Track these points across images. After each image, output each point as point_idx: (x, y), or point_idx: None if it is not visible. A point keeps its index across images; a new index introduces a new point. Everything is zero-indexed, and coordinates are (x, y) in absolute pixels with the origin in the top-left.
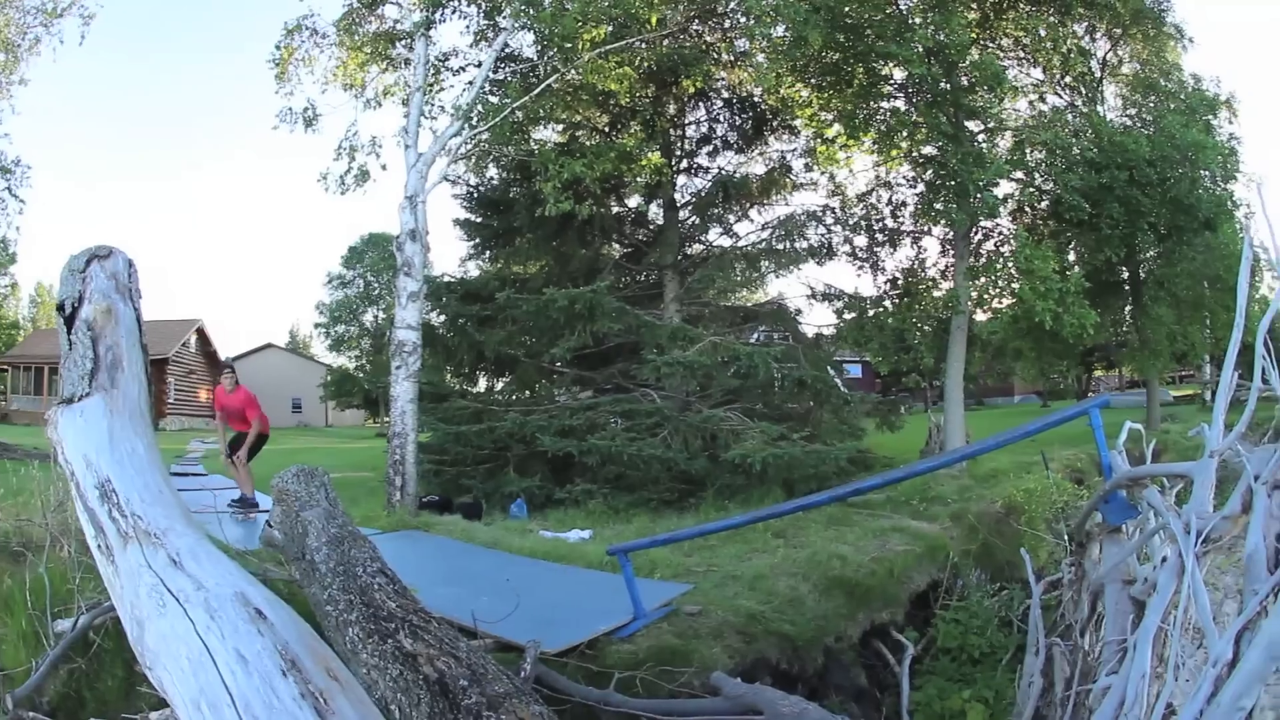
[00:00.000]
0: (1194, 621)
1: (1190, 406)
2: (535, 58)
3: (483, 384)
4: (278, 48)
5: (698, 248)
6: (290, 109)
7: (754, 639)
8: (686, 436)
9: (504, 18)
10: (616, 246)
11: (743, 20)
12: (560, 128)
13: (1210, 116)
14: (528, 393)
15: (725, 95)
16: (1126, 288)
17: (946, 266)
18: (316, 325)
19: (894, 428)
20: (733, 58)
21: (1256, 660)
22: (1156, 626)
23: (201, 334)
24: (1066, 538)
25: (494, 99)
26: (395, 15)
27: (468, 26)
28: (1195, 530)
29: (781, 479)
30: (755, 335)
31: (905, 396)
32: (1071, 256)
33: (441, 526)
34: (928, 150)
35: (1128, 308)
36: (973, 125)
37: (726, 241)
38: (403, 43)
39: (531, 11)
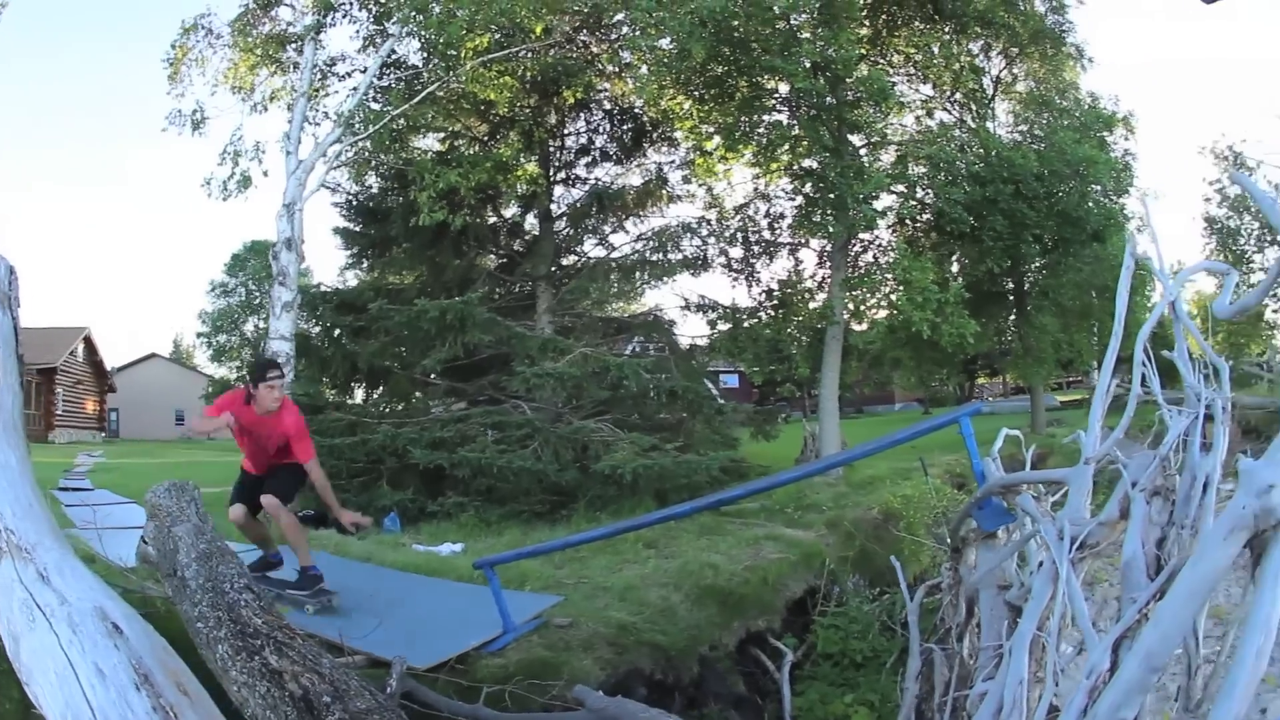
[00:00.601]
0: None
1: (1078, 411)
2: (420, 65)
3: (360, 396)
4: (173, 46)
5: (572, 259)
6: (180, 111)
7: (625, 650)
8: (557, 448)
9: (393, 24)
10: (491, 257)
11: (627, 31)
12: (440, 136)
13: (1105, 133)
14: (401, 405)
15: (607, 106)
16: (1011, 297)
17: (824, 278)
18: (199, 335)
19: (769, 437)
20: (617, 69)
21: (1134, 670)
22: (1032, 632)
23: (89, 342)
24: (944, 543)
25: (376, 106)
26: (289, 18)
27: (357, 32)
28: (1069, 536)
29: (653, 489)
30: (630, 346)
31: (783, 405)
32: (956, 268)
33: (316, 541)
34: (808, 163)
35: (1012, 316)
36: (856, 139)
37: (601, 252)
38: (293, 46)
39: (420, 18)
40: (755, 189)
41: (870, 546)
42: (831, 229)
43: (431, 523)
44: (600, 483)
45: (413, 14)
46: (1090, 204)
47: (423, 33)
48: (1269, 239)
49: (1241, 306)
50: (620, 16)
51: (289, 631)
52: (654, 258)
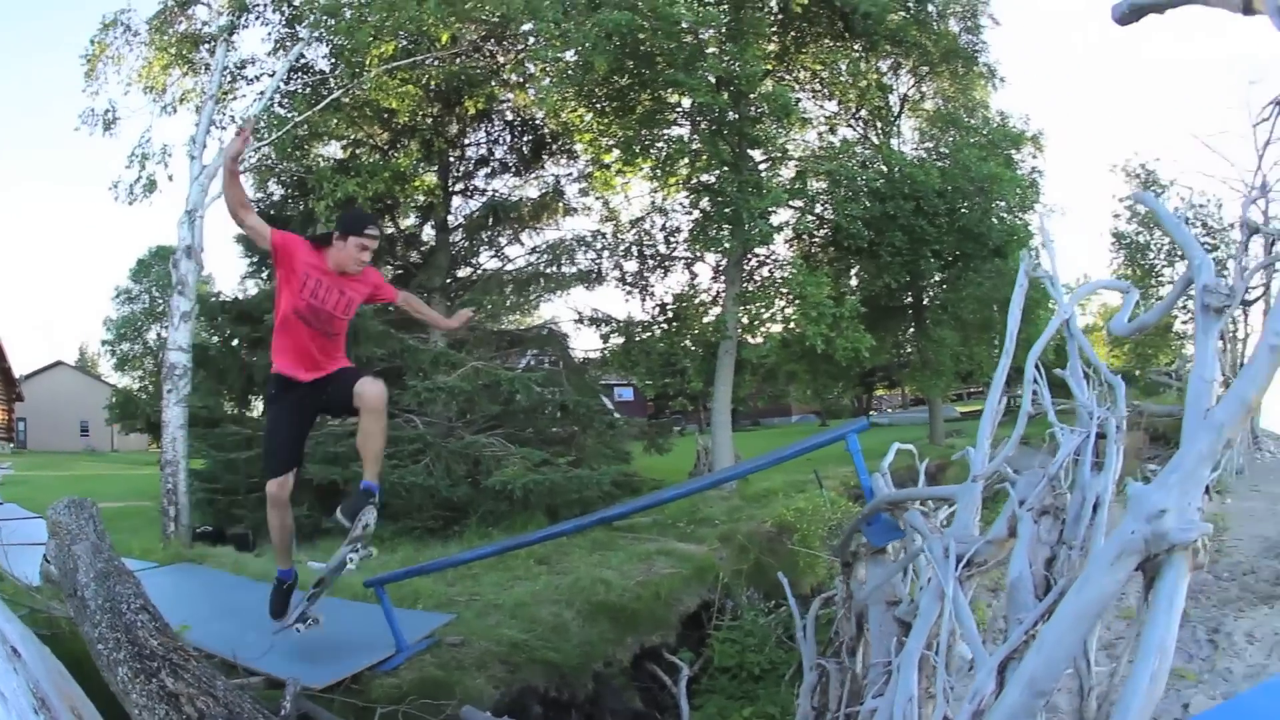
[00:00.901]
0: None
1: (978, 422)
2: (327, 70)
3: (258, 409)
4: (92, 42)
5: (468, 270)
6: (93, 110)
7: (519, 668)
8: (449, 463)
9: (303, 27)
10: (388, 268)
11: (533, 42)
12: (342, 144)
13: (1013, 151)
14: None
15: (508, 117)
16: (910, 311)
17: (718, 292)
18: (104, 343)
19: (662, 450)
20: (520, 79)
21: (1017, 695)
22: (920, 650)
23: None
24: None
25: (281, 111)
26: (205, 17)
27: (269, 34)
28: (955, 554)
29: (545, 505)
30: (525, 360)
31: (678, 419)
32: (855, 282)
33: (215, 559)
34: (707, 178)
35: (910, 330)
36: (757, 154)
37: (497, 265)
38: (206, 46)
39: (330, 22)
40: (652, 203)
41: (765, 560)
42: (727, 244)
43: (327, 539)
44: (492, 498)
45: (324, 18)
46: (993, 220)
47: (331, 38)
48: (1178, 254)
49: (1140, 324)
50: (528, 26)
51: (184, 653)
52: (549, 271)
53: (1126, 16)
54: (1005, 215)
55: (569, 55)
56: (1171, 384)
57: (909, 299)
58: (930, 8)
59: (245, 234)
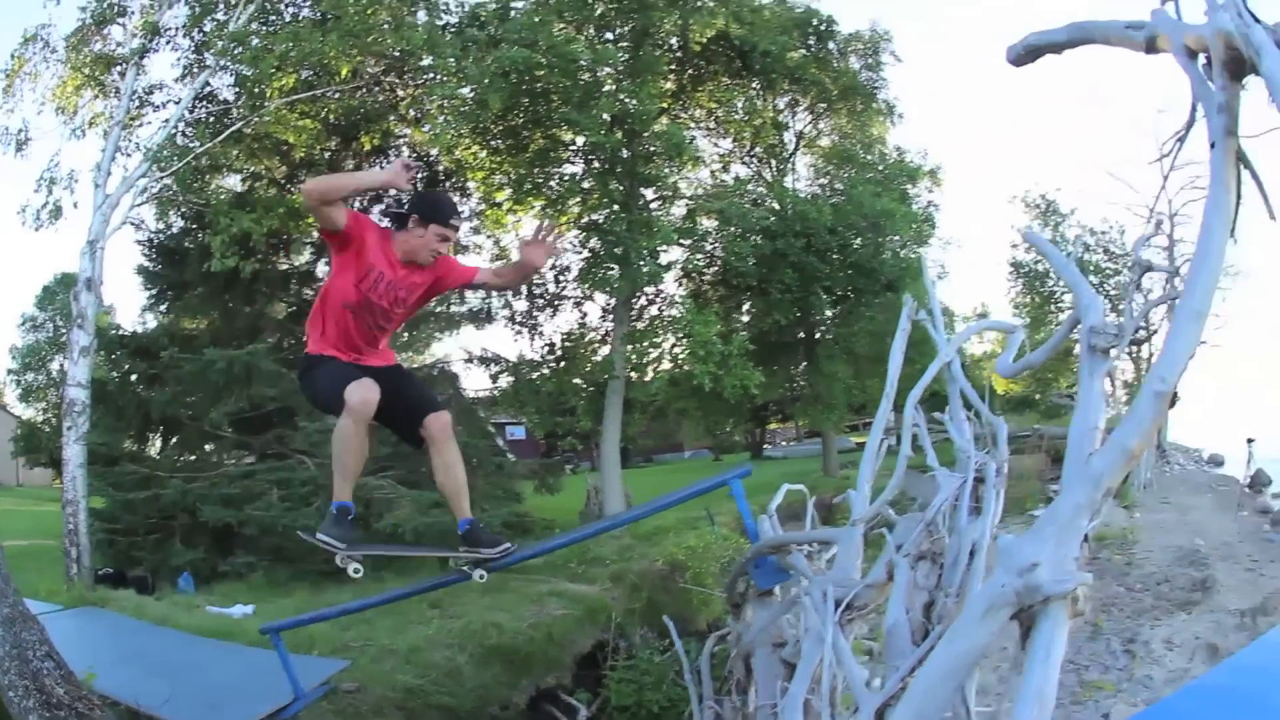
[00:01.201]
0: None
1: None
2: (231, 100)
3: (157, 446)
4: (13, 57)
5: None
6: (6, 128)
7: (415, 714)
8: None
9: (211, 54)
10: (281, 305)
11: (432, 77)
12: (241, 177)
13: (909, 185)
14: (194, 457)
15: (404, 153)
16: (801, 346)
17: (607, 331)
18: (10, 372)
19: (553, 490)
20: (418, 115)
21: None
22: (803, 694)
23: None
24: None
25: (183, 141)
26: (119, 38)
27: (178, 60)
28: (834, 598)
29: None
30: None
31: (570, 457)
32: (747, 318)
33: (116, 602)
34: (597, 217)
35: (803, 365)
36: (648, 193)
37: None
38: (118, 69)
39: (238, 50)
40: None
41: (658, 598)
42: (616, 283)
43: (224, 582)
44: (384, 542)
45: (231, 45)
46: (886, 255)
47: (236, 66)
48: None
49: (1025, 365)
50: (428, 61)
51: (89, 702)
52: (438, 310)
53: (1022, 57)
54: (899, 250)
55: (465, 91)
56: (1073, 405)
57: (800, 334)
58: (831, 46)
59: (312, 215)
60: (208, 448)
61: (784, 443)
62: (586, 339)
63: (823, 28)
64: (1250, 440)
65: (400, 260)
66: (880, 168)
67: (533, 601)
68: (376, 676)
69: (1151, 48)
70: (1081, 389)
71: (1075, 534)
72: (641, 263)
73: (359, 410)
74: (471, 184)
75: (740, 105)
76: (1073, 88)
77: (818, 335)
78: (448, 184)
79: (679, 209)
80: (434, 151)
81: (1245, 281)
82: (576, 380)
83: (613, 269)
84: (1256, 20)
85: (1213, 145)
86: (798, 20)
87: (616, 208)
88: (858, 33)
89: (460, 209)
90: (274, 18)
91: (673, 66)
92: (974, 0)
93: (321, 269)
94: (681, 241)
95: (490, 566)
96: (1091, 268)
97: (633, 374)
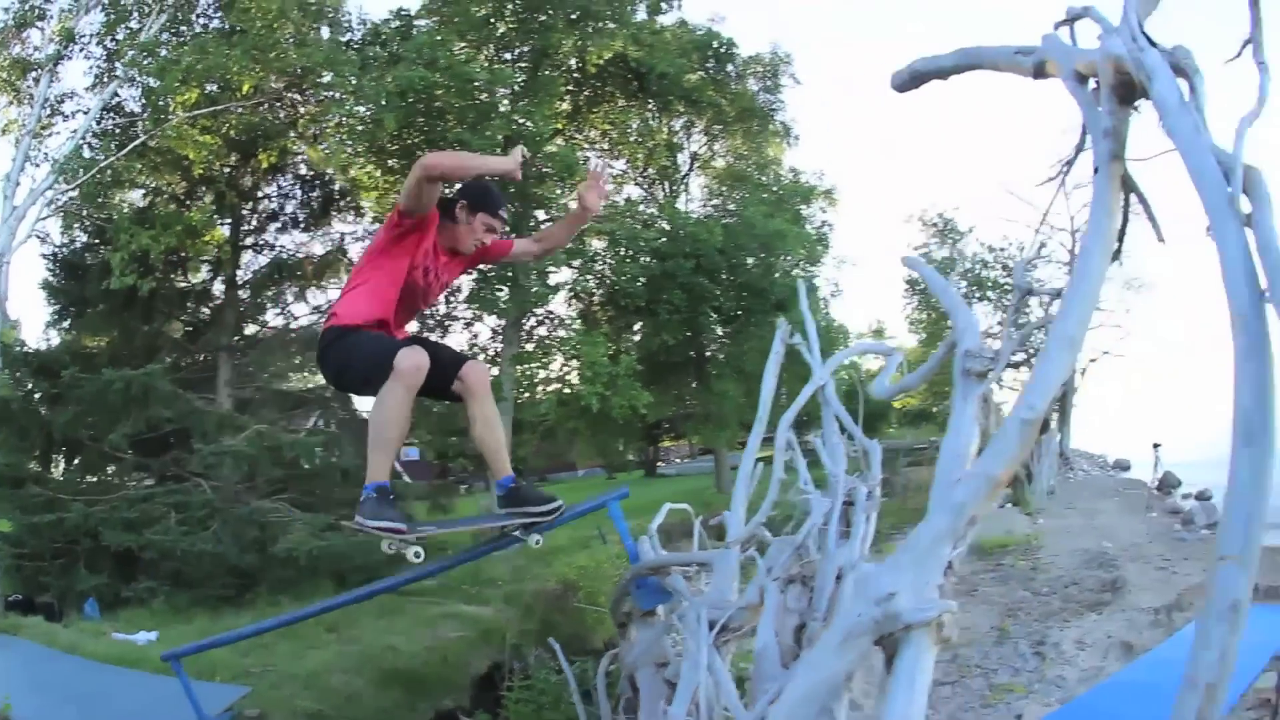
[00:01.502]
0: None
1: (769, 467)
2: (138, 111)
3: (60, 468)
4: None
5: (254, 328)
6: None
7: None
8: (237, 530)
9: (121, 64)
10: (179, 324)
11: (329, 95)
12: (143, 192)
13: (803, 206)
14: (96, 479)
15: (301, 171)
16: (692, 366)
17: (497, 352)
18: None
19: (447, 511)
20: (315, 133)
21: None
22: (682, 715)
23: None
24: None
25: (89, 153)
26: (37, 42)
27: (91, 68)
28: (708, 620)
29: (331, 571)
30: (312, 420)
31: (466, 478)
32: (638, 338)
33: (28, 629)
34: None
35: (694, 384)
36: (540, 214)
37: (282, 322)
38: (34, 74)
39: (147, 60)
40: None
41: (552, 618)
42: (504, 304)
43: (128, 608)
44: (279, 565)
45: (141, 55)
46: (777, 275)
47: (144, 78)
48: (976, 294)
49: (901, 387)
50: (328, 78)
51: None
52: None
53: (906, 84)
54: (790, 270)
55: (361, 110)
56: None
57: (691, 353)
58: (730, 68)
59: (412, 187)
60: (109, 470)
61: (678, 460)
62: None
63: (722, 50)
64: (1156, 445)
65: (444, 248)
66: (775, 188)
67: (427, 624)
68: (277, 702)
69: (1040, 73)
70: (954, 412)
71: (936, 562)
72: (530, 284)
73: (412, 376)
74: (366, 204)
75: (635, 127)
76: (980, 108)
77: (708, 354)
78: (342, 203)
79: None
80: (330, 171)
81: (1149, 293)
82: None
83: (501, 290)
84: (1153, 44)
85: (1096, 170)
86: (698, 43)
87: (508, 229)
88: (758, 55)
89: (505, 206)
90: (184, 28)
91: (570, 87)
92: (887, 18)
93: (217, 287)
94: (571, 263)
95: (543, 528)
96: (990, 284)
97: (523, 395)
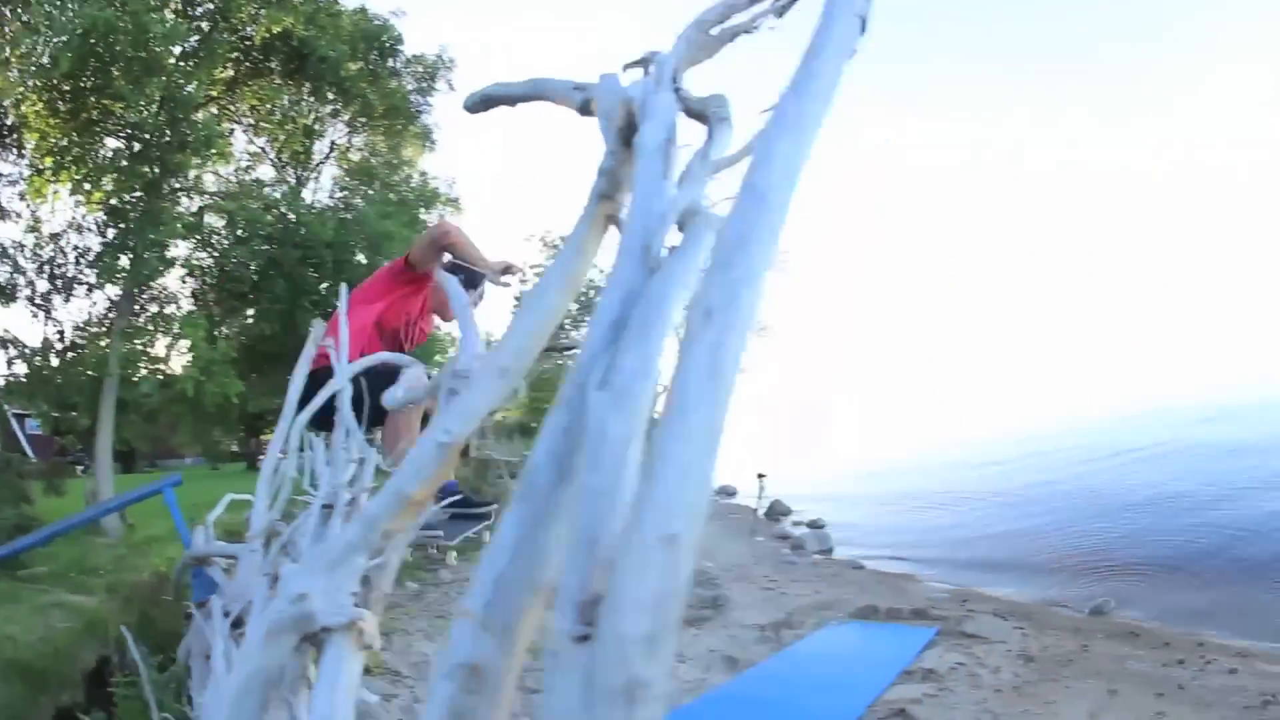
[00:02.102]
0: None
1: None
2: None
3: None
4: None
5: None
6: None
7: None
8: None
9: None
10: None
11: (23, 21)
12: None
13: (424, 210)
14: None
15: None
16: (290, 358)
17: (112, 324)
18: None
19: (60, 492)
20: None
21: None
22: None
23: None
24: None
25: None
26: None
27: None
28: (224, 611)
29: None
30: None
31: (82, 457)
32: (251, 323)
33: None
34: (115, 201)
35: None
36: (177, 183)
37: None
38: None
39: None
40: (73, 218)
41: (151, 611)
42: (122, 274)
43: None
44: None
45: None
46: None
47: None
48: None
49: (408, 399)
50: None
51: None
52: None
53: (477, 106)
54: None
55: (54, 40)
56: None
57: (290, 345)
58: (391, 63)
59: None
60: None
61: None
62: (93, 330)
63: (388, 44)
64: (761, 475)
65: (429, 309)
66: (401, 189)
67: (40, 612)
68: None
69: (585, 110)
70: None
71: (349, 570)
72: (148, 254)
73: None
74: (30, 144)
75: (287, 102)
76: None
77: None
78: (6, 140)
79: (196, 203)
80: (5, 103)
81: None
82: (90, 373)
83: (120, 258)
84: (678, 90)
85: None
86: (368, 33)
87: (140, 194)
88: (421, 55)
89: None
90: None
91: (234, 55)
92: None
93: None
94: (190, 238)
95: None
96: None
97: (127, 373)
